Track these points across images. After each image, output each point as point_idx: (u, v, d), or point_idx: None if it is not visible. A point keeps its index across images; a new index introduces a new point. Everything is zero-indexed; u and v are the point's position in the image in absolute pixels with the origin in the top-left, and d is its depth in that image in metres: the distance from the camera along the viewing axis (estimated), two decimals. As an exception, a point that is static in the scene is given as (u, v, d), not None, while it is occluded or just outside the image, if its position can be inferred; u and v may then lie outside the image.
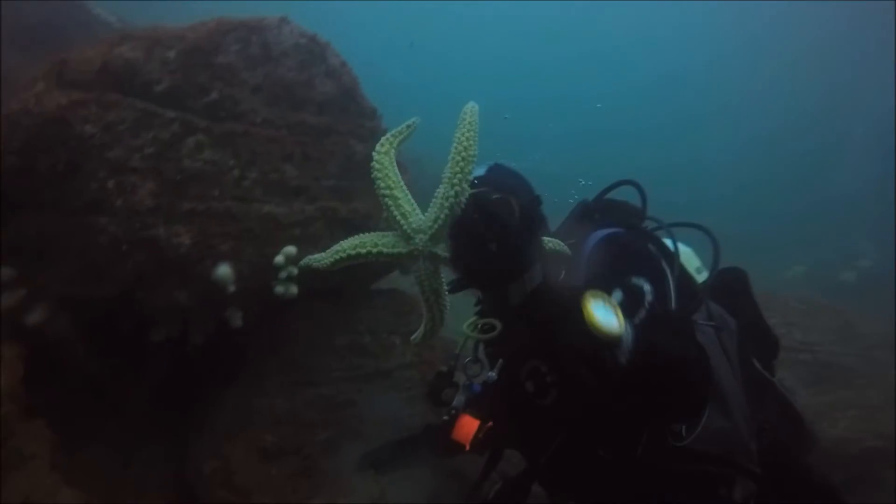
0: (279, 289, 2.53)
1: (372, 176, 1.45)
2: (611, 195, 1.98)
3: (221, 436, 2.87)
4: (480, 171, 1.81)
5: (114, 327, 2.62)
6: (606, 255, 1.57)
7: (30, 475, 1.47)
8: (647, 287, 1.43)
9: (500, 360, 1.64)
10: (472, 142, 1.37)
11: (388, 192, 1.43)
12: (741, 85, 25.07)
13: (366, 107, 3.00)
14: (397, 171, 1.47)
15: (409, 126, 1.56)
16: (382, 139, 1.48)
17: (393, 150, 1.50)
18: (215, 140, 2.43)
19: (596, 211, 1.84)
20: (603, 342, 1.19)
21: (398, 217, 1.40)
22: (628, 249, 1.62)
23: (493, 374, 1.65)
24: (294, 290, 2.57)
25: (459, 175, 1.35)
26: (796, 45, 22.58)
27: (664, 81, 26.17)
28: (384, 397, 3.25)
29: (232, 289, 2.41)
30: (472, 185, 1.72)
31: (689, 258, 1.91)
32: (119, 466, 2.87)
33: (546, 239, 1.40)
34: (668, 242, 1.82)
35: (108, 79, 2.27)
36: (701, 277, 1.88)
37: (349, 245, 1.44)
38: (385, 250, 1.41)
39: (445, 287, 1.45)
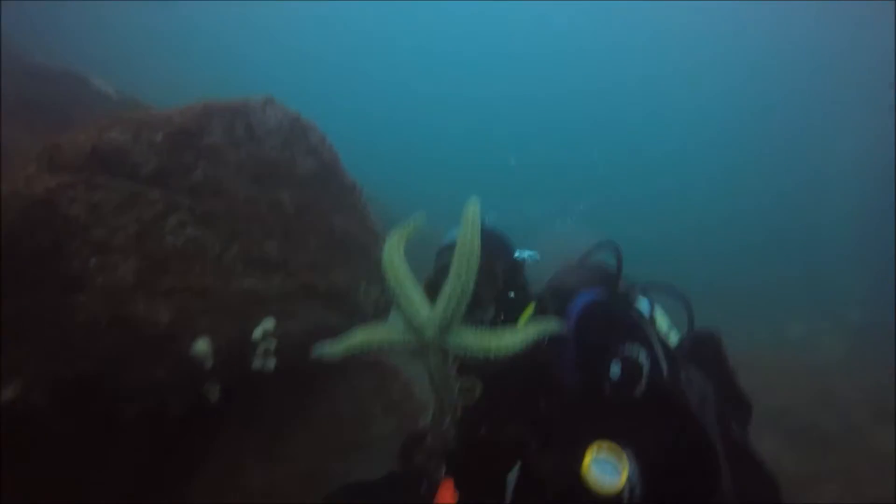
0: (257, 363, 2.56)
1: (383, 272, 1.54)
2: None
3: (196, 513, 2.81)
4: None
5: (89, 403, 2.62)
6: (596, 323, 1.61)
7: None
8: (642, 356, 1.48)
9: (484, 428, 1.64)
10: (475, 237, 1.49)
11: (398, 287, 1.51)
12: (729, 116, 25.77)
13: (346, 181, 3.13)
14: (406, 266, 1.56)
15: (413, 221, 1.68)
16: (391, 236, 1.60)
17: (402, 244, 1.60)
18: (198, 218, 2.52)
19: (577, 273, 1.90)
20: (614, 499, 1.24)
21: (409, 311, 1.48)
22: (616, 316, 1.66)
23: None
24: (272, 363, 2.59)
25: (465, 268, 1.46)
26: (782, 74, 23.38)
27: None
28: (364, 469, 3.20)
29: (209, 364, 2.43)
30: (451, 249, 1.78)
31: (660, 319, 1.95)
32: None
33: (541, 322, 1.47)
34: (644, 303, 1.89)
35: (97, 161, 2.38)
36: (671, 337, 1.92)
37: (361, 335, 1.52)
38: (395, 339, 1.50)
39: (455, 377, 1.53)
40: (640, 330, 1.63)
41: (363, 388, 3.30)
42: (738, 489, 1.67)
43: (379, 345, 1.51)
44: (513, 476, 1.33)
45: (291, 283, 2.68)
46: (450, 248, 1.82)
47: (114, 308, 2.30)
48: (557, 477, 1.30)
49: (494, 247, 1.86)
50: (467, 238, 1.48)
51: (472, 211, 1.51)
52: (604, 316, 1.64)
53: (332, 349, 1.54)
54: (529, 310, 1.75)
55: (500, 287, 1.78)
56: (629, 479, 1.25)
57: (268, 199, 2.75)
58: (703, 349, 1.92)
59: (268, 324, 2.52)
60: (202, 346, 2.38)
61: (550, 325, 1.47)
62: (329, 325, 2.79)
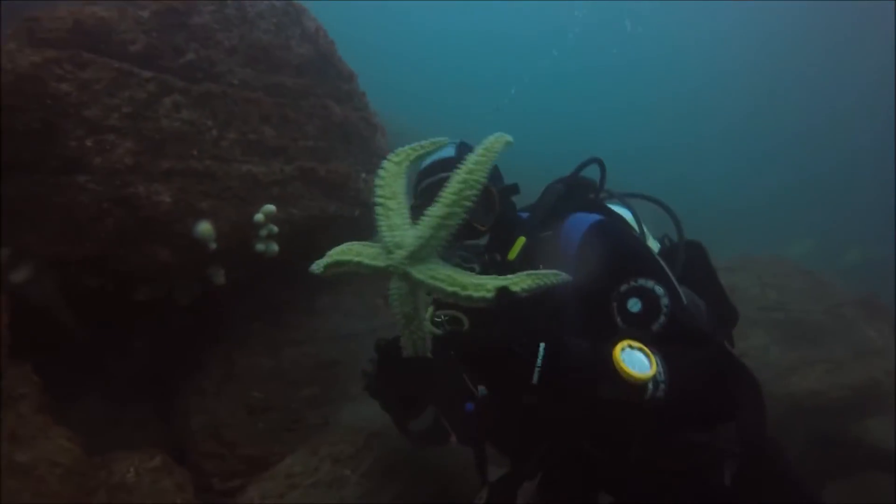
0: (260, 246, 2.59)
1: (375, 181, 1.40)
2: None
3: (209, 393, 2.96)
4: (450, 151, 1.78)
5: (98, 290, 2.68)
6: (602, 252, 1.51)
7: (18, 414, 1.53)
8: (658, 289, 1.41)
9: None
10: (482, 166, 1.29)
11: (382, 200, 1.37)
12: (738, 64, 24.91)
13: (343, 70, 3.03)
14: (403, 182, 1.40)
15: (432, 143, 1.52)
16: (400, 149, 1.44)
17: (406, 162, 1.44)
18: (192, 100, 2.46)
19: (566, 193, 1.80)
20: (640, 387, 1.20)
21: (384, 228, 1.34)
22: (624, 244, 1.57)
23: (482, 390, 1.58)
24: (275, 247, 2.62)
25: (455, 197, 1.26)
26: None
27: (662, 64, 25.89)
28: (368, 356, 3.35)
29: (213, 246, 2.47)
30: (444, 168, 1.64)
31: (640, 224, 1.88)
32: (107, 425, 2.95)
33: (540, 274, 1.31)
34: (625, 213, 1.83)
35: (82, 38, 2.28)
36: (650, 244, 1.85)
37: (337, 251, 1.42)
38: (365, 261, 1.35)
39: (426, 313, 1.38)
40: (651, 259, 1.55)
41: (368, 281, 3.37)
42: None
43: (350, 261, 1.37)
44: (539, 359, 1.24)
45: (291, 169, 2.66)
46: (430, 171, 1.72)
47: (115, 189, 2.29)
48: (586, 358, 1.26)
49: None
50: (472, 163, 1.29)
51: (496, 140, 1.34)
52: (611, 244, 1.54)
53: (317, 266, 1.44)
54: (520, 243, 1.65)
55: (496, 214, 1.68)
56: (657, 375, 1.22)
57: (263, 84, 2.67)
58: (690, 262, 1.84)
59: (269, 207, 2.52)
60: (205, 227, 2.40)
61: (550, 278, 1.30)
62: (330, 213, 2.81)
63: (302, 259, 3.04)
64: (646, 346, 1.26)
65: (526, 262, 1.57)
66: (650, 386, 1.21)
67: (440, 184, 1.61)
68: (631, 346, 1.24)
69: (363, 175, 2.91)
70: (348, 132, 2.91)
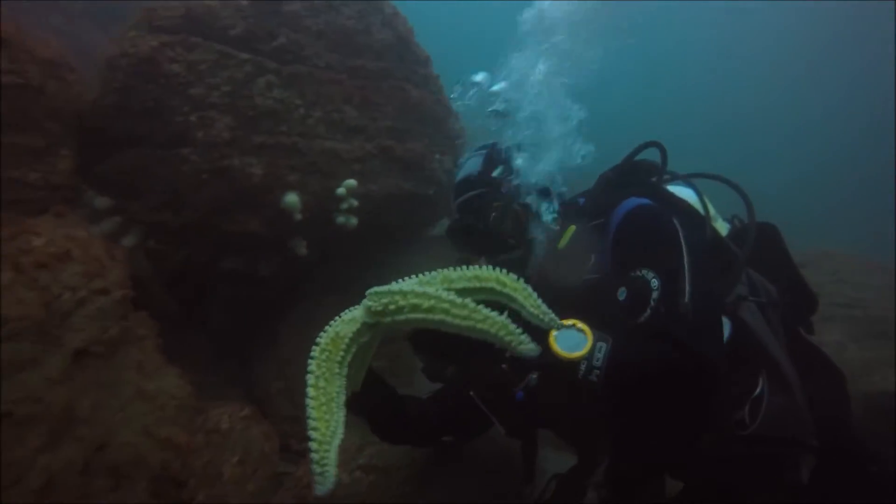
0: (340, 219, 2.74)
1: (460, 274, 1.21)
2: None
3: (284, 360, 3.14)
4: (475, 164, 1.79)
5: (193, 253, 2.91)
6: (628, 238, 1.51)
7: (142, 349, 1.72)
8: (654, 282, 1.34)
9: None
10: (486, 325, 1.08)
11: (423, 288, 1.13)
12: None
13: (420, 54, 3.16)
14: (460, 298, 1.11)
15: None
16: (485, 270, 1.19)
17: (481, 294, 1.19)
18: (283, 81, 2.64)
19: (618, 179, 1.76)
20: (566, 364, 1.23)
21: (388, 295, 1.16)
22: (647, 231, 1.50)
23: (533, 378, 1.52)
24: (354, 221, 2.77)
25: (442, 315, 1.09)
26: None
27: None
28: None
29: (298, 217, 2.64)
30: (470, 186, 1.77)
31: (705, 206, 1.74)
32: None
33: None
34: (690, 194, 1.70)
35: (190, 24, 2.51)
36: (718, 226, 1.74)
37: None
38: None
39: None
40: (668, 249, 1.42)
41: (438, 264, 3.47)
42: (811, 390, 1.58)
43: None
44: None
45: (371, 147, 2.80)
46: (459, 189, 1.77)
47: (213, 161, 2.50)
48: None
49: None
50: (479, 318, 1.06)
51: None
52: (637, 230, 1.50)
53: None
54: (570, 232, 1.66)
55: (523, 227, 1.70)
56: (591, 358, 1.23)
57: (346, 67, 2.83)
58: (763, 245, 1.70)
59: (350, 182, 2.67)
60: (292, 198, 2.57)
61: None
62: (406, 190, 2.94)
63: (376, 236, 3.22)
64: (589, 328, 1.26)
65: (575, 250, 1.60)
66: (582, 366, 1.23)
67: (468, 202, 1.72)
68: (576, 326, 1.26)
69: (437, 156, 3.02)
70: (424, 114, 3.03)
